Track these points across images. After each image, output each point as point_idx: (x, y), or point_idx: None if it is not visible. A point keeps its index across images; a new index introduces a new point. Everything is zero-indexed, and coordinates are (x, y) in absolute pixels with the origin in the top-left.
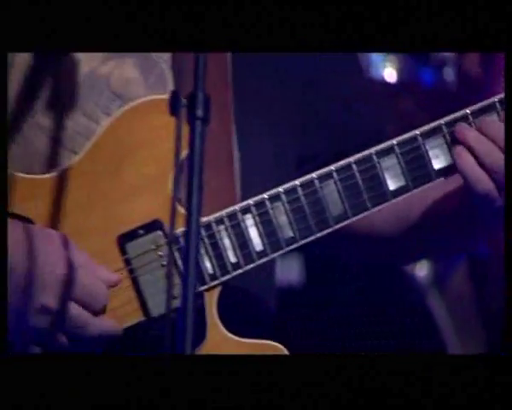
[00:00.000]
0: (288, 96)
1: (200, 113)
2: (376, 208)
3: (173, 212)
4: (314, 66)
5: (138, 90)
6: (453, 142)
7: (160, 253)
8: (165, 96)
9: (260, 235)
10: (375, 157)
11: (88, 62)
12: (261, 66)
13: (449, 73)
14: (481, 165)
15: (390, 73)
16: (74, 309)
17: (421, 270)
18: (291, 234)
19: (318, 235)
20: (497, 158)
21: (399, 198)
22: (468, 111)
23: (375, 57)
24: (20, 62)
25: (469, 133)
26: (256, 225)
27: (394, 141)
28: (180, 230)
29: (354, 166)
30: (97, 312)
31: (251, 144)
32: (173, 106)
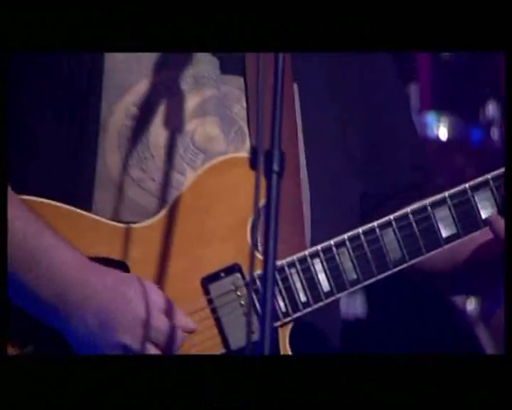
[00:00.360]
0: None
1: (276, 167)
2: (431, 253)
3: (252, 256)
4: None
5: (219, 145)
6: (499, 194)
7: (239, 293)
8: (243, 155)
9: (327, 277)
10: (429, 208)
11: (173, 121)
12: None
13: (495, 133)
14: None
15: (443, 133)
16: (151, 350)
17: (470, 304)
18: (355, 276)
19: (379, 277)
20: None
21: (451, 244)
22: None
23: (430, 118)
24: (116, 124)
25: None
26: (324, 268)
27: (446, 193)
28: (257, 273)
29: (411, 216)
30: (171, 352)
31: (318, 192)
32: (253, 161)
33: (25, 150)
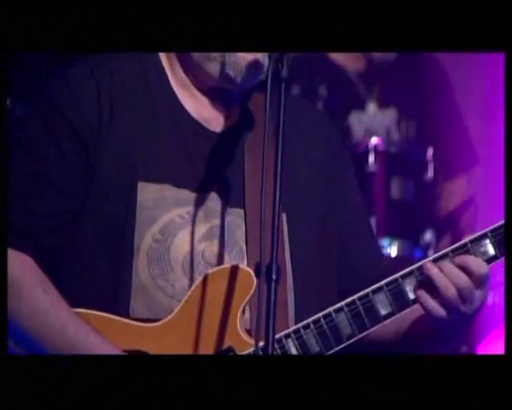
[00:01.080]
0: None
1: (274, 276)
2: (375, 327)
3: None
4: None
5: (225, 260)
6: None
7: None
8: (234, 265)
9: (298, 350)
10: (370, 294)
11: (188, 244)
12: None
13: (431, 252)
14: (435, 297)
15: (394, 252)
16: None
17: None
18: (317, 349)
19: (337, 349)
20: (450, 292)
21: (390, 319)
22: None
23: (385, 242)
24: (145, 246)
25: (433, 269)
26: (295, 344)
27: (383, 282)
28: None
29: (357, 301)
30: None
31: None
32: (257, 272)
33: (78, 274)
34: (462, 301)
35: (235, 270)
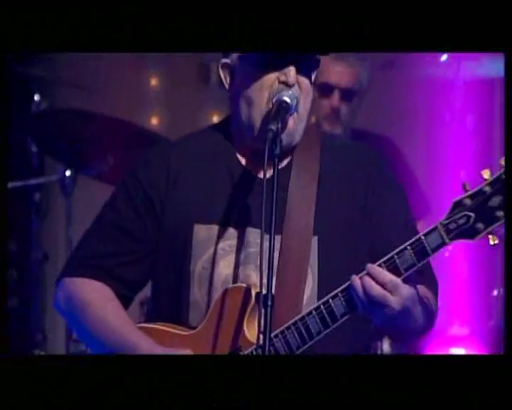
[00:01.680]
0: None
1: (269, 303)
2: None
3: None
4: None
5: (252, 279)
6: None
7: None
8: (243, 285)
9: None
10: (330, 300)
11: (226, 269)
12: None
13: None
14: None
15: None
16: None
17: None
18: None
19: (310, 343)
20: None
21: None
22: None
23: None
24: (198, 271)
25: (355, 281)
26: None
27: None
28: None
29: (322, 306)
30: None
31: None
32: (257, 299)
33: (153, 294)
34: (377, 306)
35: (242, 290)
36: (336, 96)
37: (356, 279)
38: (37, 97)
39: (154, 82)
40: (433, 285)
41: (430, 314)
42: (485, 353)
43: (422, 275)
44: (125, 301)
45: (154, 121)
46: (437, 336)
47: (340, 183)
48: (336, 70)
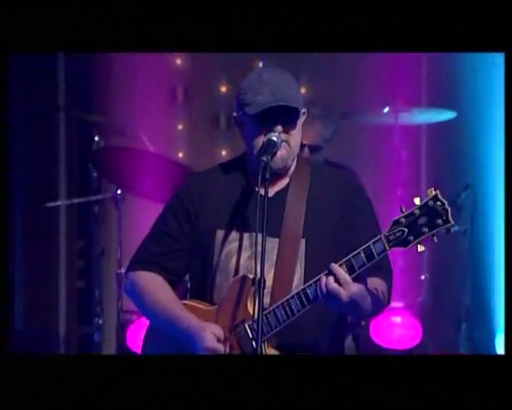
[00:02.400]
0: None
1: (262, 285)
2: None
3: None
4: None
5: (257, 271)
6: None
7: (247, 328)
8: (245, 275)
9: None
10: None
11: (238, 262)
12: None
13: None
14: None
15: None
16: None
17: None
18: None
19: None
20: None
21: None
22: None
23: None
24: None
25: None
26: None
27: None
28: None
29: (301, 292)
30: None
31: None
32: (254, 282)
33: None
34: (332, 296)
35: (245, 278)
36: (306, 150)
37: (322, 276)
38: (96, 138)
39: (180, 127)
40: (388, 277)
41: (379, 304)
42: (415, 321)
43: (381, 268)
44: (173, 286)
45: (181, 155)
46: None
47: (323, 200)
48: (306, 133)
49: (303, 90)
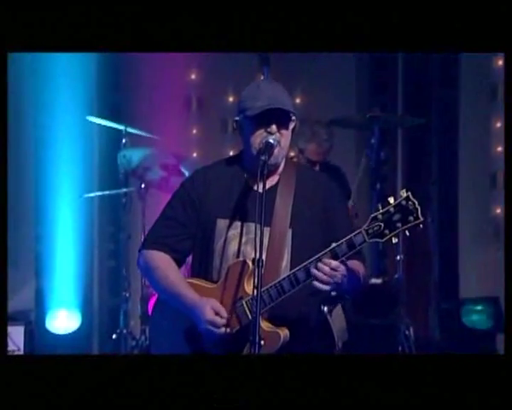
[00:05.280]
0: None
1: (261, 264)
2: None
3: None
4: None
5: (252, 255)
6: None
7: (244, 304)
8: (244, 259)
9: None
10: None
11: (235, 248)
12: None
13: None
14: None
15: None
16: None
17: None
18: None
19: (279, 299)
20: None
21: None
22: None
23: None
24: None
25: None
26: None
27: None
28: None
29: (291, 275)
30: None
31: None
32: (253, 263)
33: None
34: (324, 282)
35: (244, 262)
36: (317, 167)
37: (313, 265)
38: (124, 140)
39: (194, 131)
40: (364, 262)
41: (358, 282)
42: (391, 295)
43: (360, 254)
44: (179, 264)
45: (195, 154)
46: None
47: (306, 197)
48: (316, 151)
49: (298, 100)
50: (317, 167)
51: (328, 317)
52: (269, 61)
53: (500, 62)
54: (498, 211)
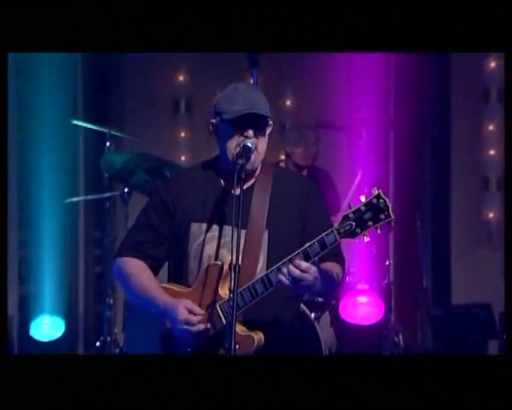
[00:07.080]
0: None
1: (237, 270)
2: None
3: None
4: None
5: (227, 258)
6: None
7: (219, 309)
8: (218, 262)
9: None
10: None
11: (210, 251)
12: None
13: None
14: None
15: None
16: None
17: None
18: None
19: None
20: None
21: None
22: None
23: None
24: (194, 250)
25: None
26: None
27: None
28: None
29: (264, 277)
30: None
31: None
32: (230, 268)
33: (170, 266)
34: (298, 282)
35: (218, 265)
36: (305, 171)
37: (285, 266)
38: (108, 144)
39: (182, 134)
40: (342, 263)
41: (334, 283)
42: (379, 300)
43: (337, 256)
44: (155, 270)
45: (183, 158)
46: (349, 289)
47: (284, 199)
48: (303, 155)
49: (288, 102)
50: (305, 172)
51: (316, 324)
52: (258, 64)
53: (492, 64)
54: (491, 215)
